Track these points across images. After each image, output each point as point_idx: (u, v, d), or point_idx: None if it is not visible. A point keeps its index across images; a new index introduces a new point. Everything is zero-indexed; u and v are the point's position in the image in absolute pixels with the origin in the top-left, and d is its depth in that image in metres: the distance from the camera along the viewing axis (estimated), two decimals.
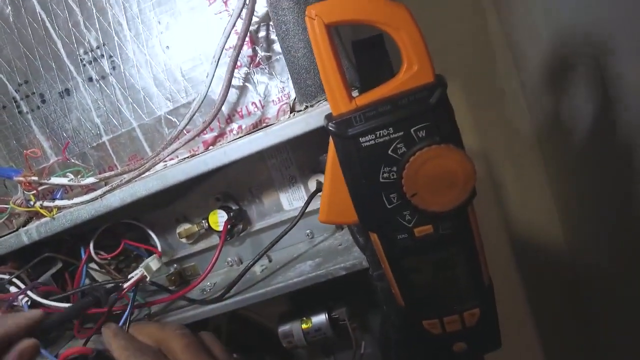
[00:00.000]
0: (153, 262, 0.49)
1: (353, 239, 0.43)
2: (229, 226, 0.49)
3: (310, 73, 0.37)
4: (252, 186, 0.51)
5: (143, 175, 0.43)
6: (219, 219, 0.49)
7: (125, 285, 0.45)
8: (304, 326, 0.51)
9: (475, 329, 0.36)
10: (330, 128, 0.31)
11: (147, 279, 0.47)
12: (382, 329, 0.51)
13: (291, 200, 0.50)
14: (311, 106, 0.39)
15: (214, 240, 0.52)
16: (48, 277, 0.52)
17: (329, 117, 0.32)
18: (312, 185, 0.48)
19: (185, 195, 0.51)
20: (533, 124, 0.76)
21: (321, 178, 0.47)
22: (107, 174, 0.42)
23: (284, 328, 0.52)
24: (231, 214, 0.49)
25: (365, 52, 0.36)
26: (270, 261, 0.51)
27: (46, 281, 0.52)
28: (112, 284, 0.45)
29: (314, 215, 0.49)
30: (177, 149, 0.40)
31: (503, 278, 0.81)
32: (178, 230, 0.51)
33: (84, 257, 0.51)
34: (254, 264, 0.46)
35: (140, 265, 0.47)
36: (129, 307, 0.44)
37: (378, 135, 0.31)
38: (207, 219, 0.50)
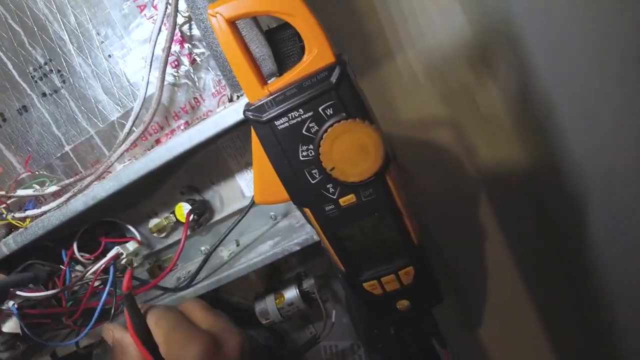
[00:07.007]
0: (130, 244, 0.53)
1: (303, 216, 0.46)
2: (194, 217, 0.52)
3: None
4: (212, 177, 0.53)
5: (103, 178, 0.46)
6: (184, 211, 0.52)
7: (100, 263, 0.48)
8: (277, 302, 0.55)
9: (413, 286, 0.38)
10: (246, 115, 0.34)
11: (124, 257, 0.50)
12: (346, 296, 0.54)
13: (250, 186, 0.53)
14: (242, 96, 0.41)
15: None
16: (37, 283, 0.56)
17: (246, 105, 0.34)
18: None
19: (154, 192, 0.54)
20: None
21: None
22: (67, 182, 0.45)
23: (260, 307, 0.55)
24: (195, 205, 0.52)
25: (275, 40, 0.38)
26: (238, 245, 0.54)
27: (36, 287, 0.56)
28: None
29: None
30: (125, 151, 0.43)
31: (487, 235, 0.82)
32: (149, 226, 0.54)
33: (65, 259, 0.54)
34: (210, 253, 0.50)
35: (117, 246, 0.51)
36: (105, 290, 0.47)
37: (290, 117, 0.33)
38: (173, 212, 0.53)
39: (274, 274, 0.59)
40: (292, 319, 0.57)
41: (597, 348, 0.83)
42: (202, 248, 0.57)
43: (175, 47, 0.43)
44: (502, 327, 0.86)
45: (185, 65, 0.44)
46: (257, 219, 0.54)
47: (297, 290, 0.54)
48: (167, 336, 0.39)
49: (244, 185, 0.53)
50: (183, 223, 0.53)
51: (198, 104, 0.45)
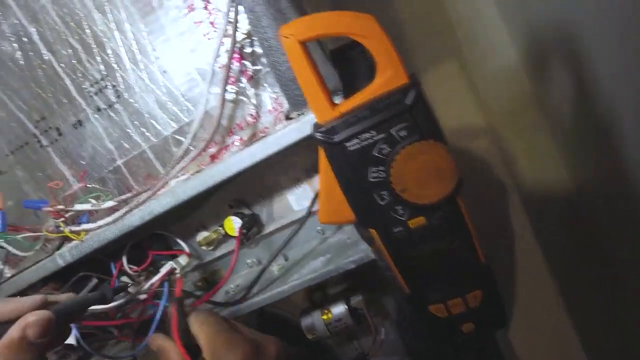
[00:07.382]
0: (181, 258, 0.53)
1: (359, 233, 0.45)
2: (243, 231, 0.52)
3: (297, 83, 0.38)
4: (261, 191, 0.53)
5: (159, 193, 0.46)
6: (233, 225, 0.52)
7: (156, 278, 0.49)
8: (324, 318, 0.54)
9: (479, 309, 0.37)
10: (317, 137, 0.33)
11: (177, 272, 0.51)
12: (399, 314, 0.53)
13: (299, 200, 0.52)
14: (303, 114, 0.41)
15: (232, 244, 0.55)
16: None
17: (315, 126, 0.34)
18: (317, 184, 0.50)
19: (202, 205, 0.54)
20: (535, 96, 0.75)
21: None
22: (124, 197, 0.46)
23: (306, 322, 0.55)
24: (245, 219, 0.52)
25: (343, 59, 0.37)
26: (286, 260, 0.54)
27: None
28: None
29: None
30: (184, 167, 0.43)
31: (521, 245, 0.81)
32: (198, 239, 0.54)
33: (114, 272, 0.54)
34: (265, 268, 0.49)
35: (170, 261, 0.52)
36: (161, 304, 0.47)
37: (362, 138, 0.32)
38: (222, 226, 0.53)
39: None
40: (339, 335, 0.56)
41: (628, 351, 0.81)
42: (249, 261, 0.57)
43: (233, 64, 0.43)
44: (531, 329, 0.84)
45: (242, 82, 0.44)
46: (304, 233, 0.54)
47: (346, 306, 0.54)
48: (210, 340, 0.40)
49: (293, 199, 0.53)
50: (231, 236, 0.53)
51: (254, 120, 0.45)
